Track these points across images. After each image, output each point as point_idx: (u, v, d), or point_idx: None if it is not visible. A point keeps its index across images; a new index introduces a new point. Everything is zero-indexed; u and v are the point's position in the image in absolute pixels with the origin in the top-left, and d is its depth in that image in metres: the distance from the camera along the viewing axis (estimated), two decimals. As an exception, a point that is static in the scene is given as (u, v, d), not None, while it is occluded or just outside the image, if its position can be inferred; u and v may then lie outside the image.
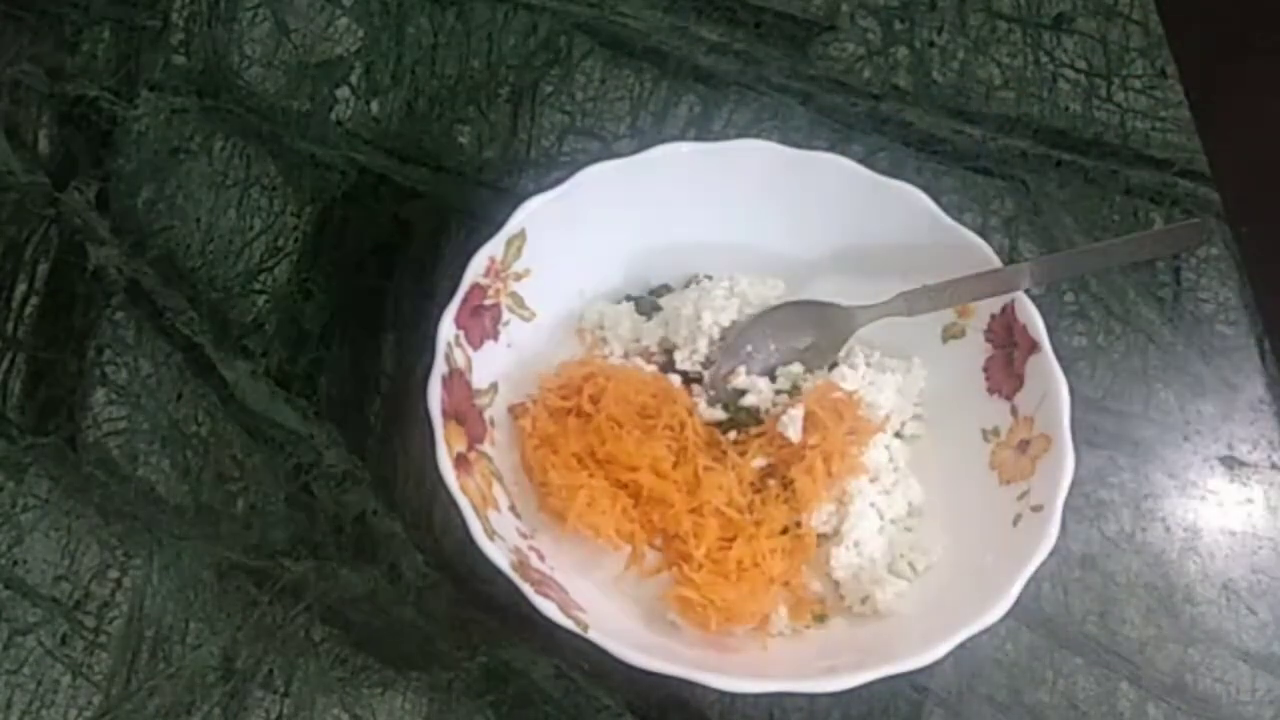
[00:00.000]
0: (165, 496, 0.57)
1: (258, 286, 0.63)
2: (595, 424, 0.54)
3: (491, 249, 0.55)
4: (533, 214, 0.56)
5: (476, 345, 0.55)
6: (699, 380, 0.57)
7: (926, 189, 0.57)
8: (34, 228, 0.64)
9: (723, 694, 0.47)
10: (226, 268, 0.64)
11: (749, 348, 0.57)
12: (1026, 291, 0.55)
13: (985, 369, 0.56)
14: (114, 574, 0.55)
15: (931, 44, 0.71)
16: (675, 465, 0.54)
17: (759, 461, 0.55)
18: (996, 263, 0.56)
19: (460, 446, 0.52)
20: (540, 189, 0.57)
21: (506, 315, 0.57)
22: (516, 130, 0.68)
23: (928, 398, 0.57)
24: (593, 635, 0.47)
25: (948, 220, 0.57)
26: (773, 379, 0.57)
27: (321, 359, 0.61)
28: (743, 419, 0.56)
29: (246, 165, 0.67)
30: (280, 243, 0.64)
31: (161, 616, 0.55)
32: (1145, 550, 0.57)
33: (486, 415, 0.55)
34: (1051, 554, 0.49)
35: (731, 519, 0.53)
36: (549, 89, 0.69)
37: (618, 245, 0.59)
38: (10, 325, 0.62)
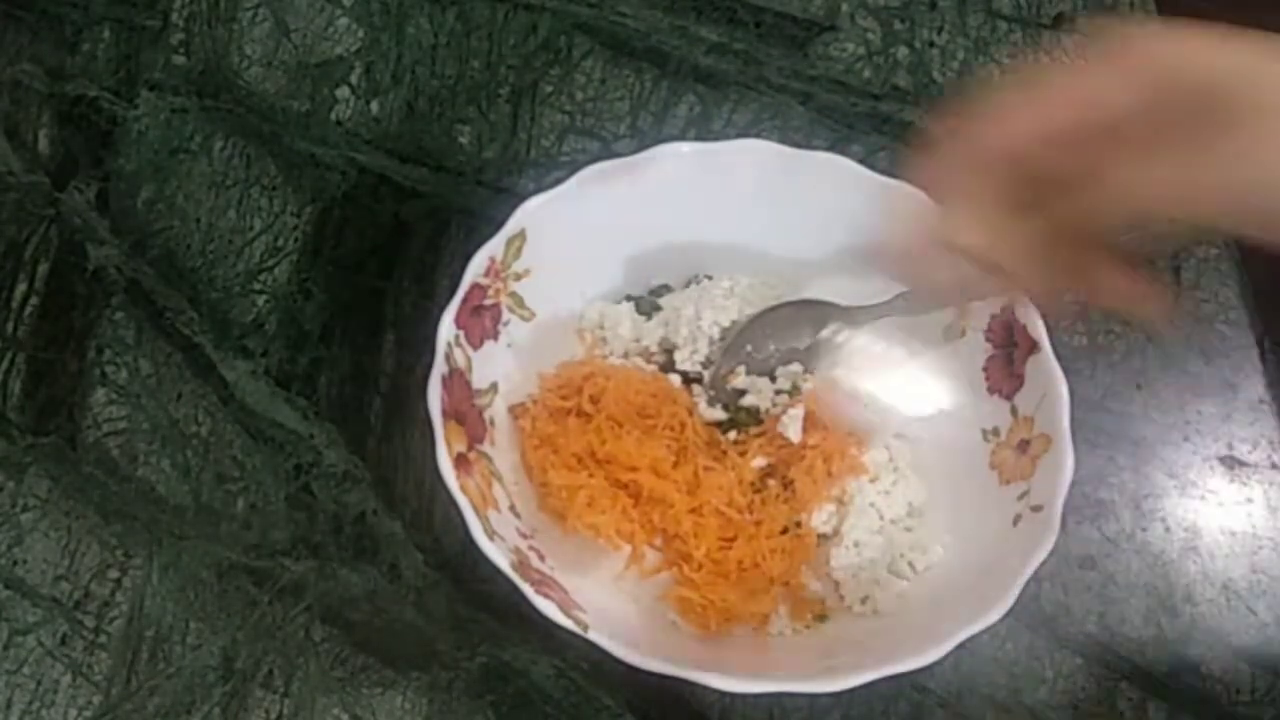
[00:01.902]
0: (165, 496, 0.57)
1: (258, 286, 0.63)
2: (595, 424, 0.54)
3: (491, 249, 0.55)
4: (533, 214, 0.56)
5: (476, 345, 0.55)
6: (699, 380, 0.57)
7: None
8: (34, 228, 0.65)
9: (723, 694, 0.47)
10: (226, 268, 0.64)
11: (749, 348, 0.57)
12: (1026, 291, 0.55)
13: (985, 369, 0.56)
14: (114, 574, 0.56)
15: (931, 44, 0.71)
16: (675, 465, 0.54)
17: (759, 461, 0.55)
18: (997, 262, 0.55)
19: (460, 446, 0.52)
20: (540, 189, 0.57)
21: (506, 315, 0.57)
22: (516, 130, 0.68)
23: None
24: (593, 635, 0.47)
25: (948, 220, 0.57)
26: (773, 379, 0.57)
27: (321, 359, 0.61)
28: (743, 419, 0.56)
29: (246, 165, 0.67)
30: (280, 243, 0.64)
31: (161, 616, 0.55)
32: (1145, 550, 0.57)
33: (486, 415, 0.55)
34: (1051, 554, 0.49)
35: (731, 519, 0.53)
36: (549, 89, 0.69)
37: (618, 245, 0.59)
38: (10, 325, 0.62)
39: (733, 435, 0.56)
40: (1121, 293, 0.42)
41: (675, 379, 0.57)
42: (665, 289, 0.60)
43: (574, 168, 0.57)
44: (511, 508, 0.53)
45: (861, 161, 0.58)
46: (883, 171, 0.58)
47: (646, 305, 0.60)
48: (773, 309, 0.58)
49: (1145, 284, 0.42)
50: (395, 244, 0.64)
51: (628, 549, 0.53)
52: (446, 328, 0.53)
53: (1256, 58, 0.37)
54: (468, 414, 0.54)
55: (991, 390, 0.56)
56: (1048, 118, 0.39)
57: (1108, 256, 0.42)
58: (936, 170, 0.41)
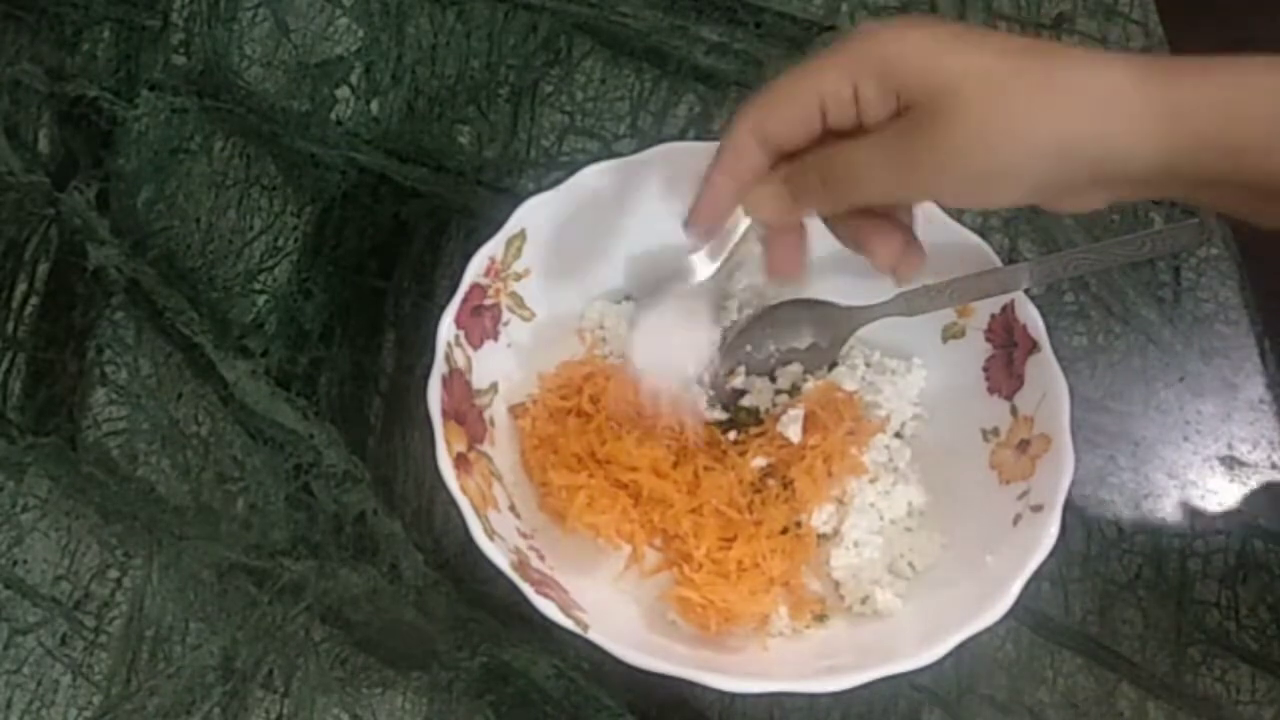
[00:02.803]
0: (165, 496, 0.57)
1: (258, 286, 0.63)
2: (595, 424, 0.54)
3: (491, 249, 0.55)
4: (533, 214, 0.56)
5: (476, 345, 0.55)
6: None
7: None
8: (34, 228, 0.65)
9: (723, 694, 0.47)
10: (226, 268, 0.64)
11: (749, 348, 0.57)
12: (1026, 291, 0.55)
13: (985, 369, 0.56)
14: (114, 574, 0.56)
15: (931, 44, 0.71)
16: (675, 465, 0.54)
17: (759, 461, 0.55)
18: (996, 263, 0.55)
19: (460, 446, 0.52)
20: (540, 189, 0.57)
21: (506, 315, 0.57)
22: (516, 130, 0.68)
23: (928, 398, 0.57)
24: (593, 635, 0.47)
25: (948, 220, 0.57)
26: (773, 379, 0.57)
27: (321, 359, 0.61)
28: (743, 419, 0.56)
29: (246, 165, 0.67)
30: (280, 243, 0.64)
31: (161, 616, 0.55)
32: (1145, 550, 0.57)
33: (486, 415, 0.55)
34: (1051, 554, 0.49)
35: (731, 519, 0.53)
36: (549, 89, 0.69)
37: (618, 245, 0.59)
38: (10, 325, 0.62)
39: (733, 435, 0.56)
40: (864, 244, 0.47)
41: (675, 379, 0.57)
42: (665, 289, 0.60)
43: (574, 168, 0.57)
44: (511, 508, 0.53)
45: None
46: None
47: (647, 305, 0.59)
48: (773, 309, 0.58)
49: (893, 241, 0.46)
50: (395, 244, 0.64)
51: (628, 549, 0.53)
52: (446, 328, 0.53)
53: (964, 54, 0.40)
54: (468, 414, 0.54)
55: (991, 390, 0.56)
56: (790, 108, 0.43)
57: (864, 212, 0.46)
58: (719, 153, 0.46)
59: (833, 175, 0.43)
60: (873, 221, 0.46)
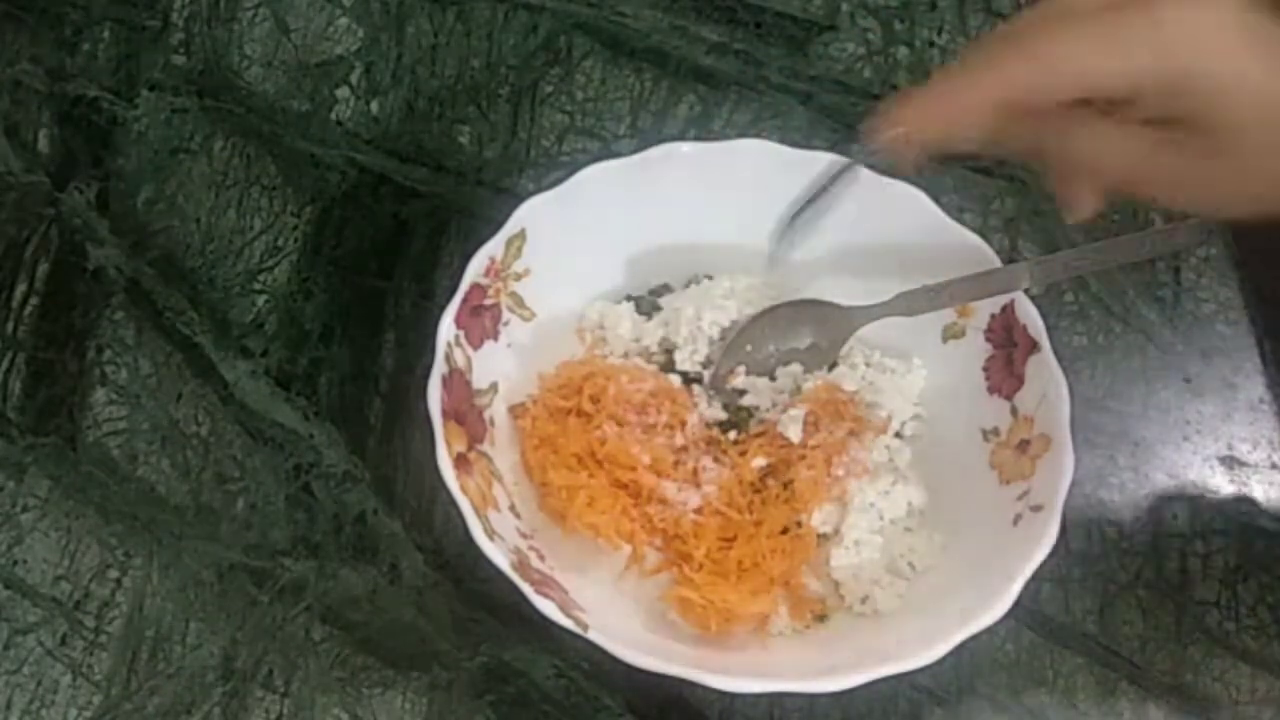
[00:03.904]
0: (165, 496, 0.57)
1: (258, 286, 0.63)
2: (595, 424, 0.54)
3: (491, 249, 0.55)
4: (533, 214, 0.56)
5: (476, 345, 0.55)
6: (699, 380, 0.57)
7: (926, 189, 0.57)
8: (34, 228, 0.65)
9: (723, 694, 0.47)
10: (226, 268, 0.64)
11: (749, 348, 0.57)
12: (1026, 291, 0.55)
13: (985, 369, 0.56)
14: (114, 574, 0.56)
15: (931, 44, 0.71)
16: (675, 465, 0.54)
17: (759, 461, 0.55)
18: (996, 263, 0.56)
19: (460, 446, 0.52)
20: (540, 189, 0.57)
21: (506, 315, 0.57)
22: (516, 130, 0.68)
23: (928, 398, 0.57)
24: (593, 635, 0.47)
25: (948, 220, 0.57)
26: (773, 379, 0.57)
27: (321, 359, 0.61)
28: (743, 419, 0.56)
29: (246, 165, 0.67)
30: (280, 243, 0.64)
31: (161, 616, 0.55)
32: (1145, 550, 0.57)
33: (486, 415, 0.55)
34: (1051, 554, 0.49)
35: (731, 519, 0.53)
36: (549, 89, 0.69)
37: (618, 245, 0.59)
38: (10, 325, 0.62)
39: (733, 435, 0.56)
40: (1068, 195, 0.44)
41: (675, 379, 0.57)
42: (665, 289, 0.60)
43: (574, 168, 0.57)
44: (511, 508, 0.53)
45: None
46: (882, 172, 0.58)
47: (646, 305, 0.60)
48: (773, 309, 0.58)
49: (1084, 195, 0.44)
50: (395, 244, 0.64)
51: (628, 549, 0.53)
52: (446, 328, 0.53)
53: (1250, 63, 0.37)
54: (468, 414, 0.54)
55: (991, 390, 0.56)
56: (1037, 79, 0.40)
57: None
58: (916, 102, 0.42)
59: (1083, 152, 0.41)
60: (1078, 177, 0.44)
